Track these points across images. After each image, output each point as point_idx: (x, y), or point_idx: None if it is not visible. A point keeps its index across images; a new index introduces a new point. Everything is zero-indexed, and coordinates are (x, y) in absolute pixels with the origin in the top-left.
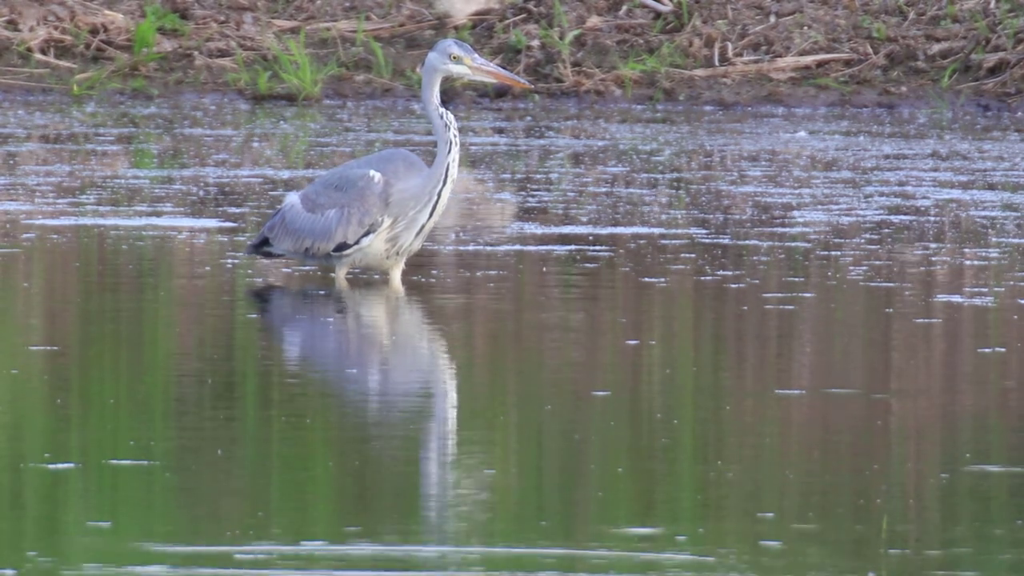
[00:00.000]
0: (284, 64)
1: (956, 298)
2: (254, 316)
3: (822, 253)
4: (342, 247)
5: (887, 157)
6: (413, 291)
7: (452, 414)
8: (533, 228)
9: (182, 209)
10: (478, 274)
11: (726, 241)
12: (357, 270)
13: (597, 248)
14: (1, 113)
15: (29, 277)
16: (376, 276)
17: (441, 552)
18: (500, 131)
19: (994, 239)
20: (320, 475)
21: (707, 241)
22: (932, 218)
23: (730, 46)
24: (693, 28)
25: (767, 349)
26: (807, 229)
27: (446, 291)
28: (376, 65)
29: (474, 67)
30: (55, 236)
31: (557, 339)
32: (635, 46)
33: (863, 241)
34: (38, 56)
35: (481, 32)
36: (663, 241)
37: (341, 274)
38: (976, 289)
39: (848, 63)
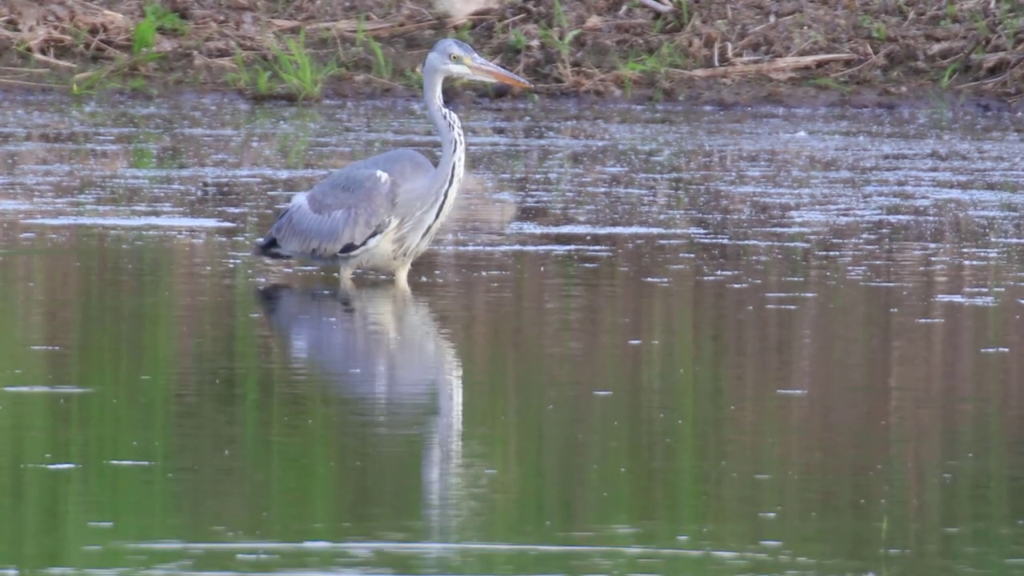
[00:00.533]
0: (284, 64)
1: (957, 298)
2: (256, 316)
3: (821, 253)
4: (349, 248)
5: (887, 157)
6: (416, 291)
7: (455, 413)
8: (533, 228)
9: (182, 209)
10: (479, 274)
11: (726, 241)
12: (360, 270)
13: (596, 248)
14: (1, 113)
15: (29, 277)
16: (382, 276)
17: (443, 550)
18: (500, 131)
19: (993, 239)
20: (321, 474)
21: (706, 241)
22: (931, 218)
23: (730, 46)
24: (693, 28)
25: (768, 349)
26: (806, 229)
27: (449, 291)
28: (376, 65)
29: (474, 67)
30: (53, 236)
31: (559, 339)
32: (635, 46)
33: (862, 241)
34: (38, 56)
35: (481, 32)
36: (663, 241)
37: (346, 274)
38: (976, 289)
39: (848, 63)
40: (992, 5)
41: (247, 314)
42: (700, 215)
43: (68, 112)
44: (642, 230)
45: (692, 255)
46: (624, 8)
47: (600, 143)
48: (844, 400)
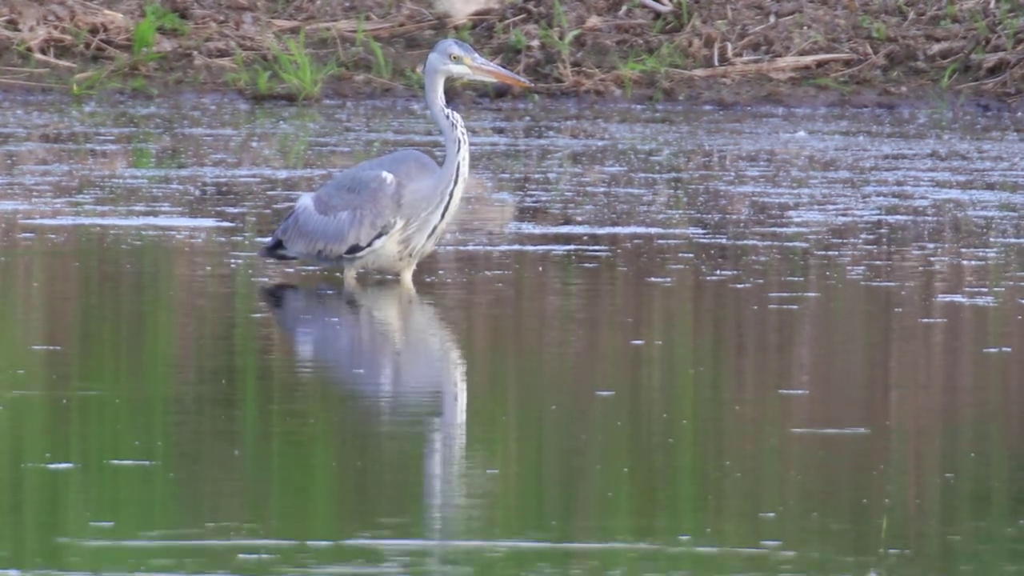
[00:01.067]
0: (284, 64)
1: (957, 298)
2: (257, 315)
3: (820, 253)
4: (355, 249)
5: (886, 157)
6: (420, 291)
7: (457, 413)
8: (534, 228)
9: (182, 209)
10: (480, 275)
11: (725, 241)
12: (363, 270)
13: (596, 248)
14: (1, 113)
15: (29, 277)
16: (389, 276)
17: (443, 547)
18: (500, 131)
19: (992, 239)
20: (322, 474)
21: (705, 241)
22: (930, 218)
23: (730, 46)
24: (693, 28)
25: (768, 349)
26: (805, 229)
27: (451, 292)
28: (376, 65)
29: (474, 67)
30: (52, 236)
31: (560, 339)
32: (635, 46)
33: (861, 241)
34: (38, 56)
35: (481, 32)
36: (661, 241)
37: (350, 275)
38: (976, 289)
39: (848, 63)
40: (992, 5)
41: (248, 314)
42: (699, 215)
43: (68, 112)
44: (641, 230)
45: (691, 255)
46: (624, 8)
47: (600, 143)
48: (846, 400)
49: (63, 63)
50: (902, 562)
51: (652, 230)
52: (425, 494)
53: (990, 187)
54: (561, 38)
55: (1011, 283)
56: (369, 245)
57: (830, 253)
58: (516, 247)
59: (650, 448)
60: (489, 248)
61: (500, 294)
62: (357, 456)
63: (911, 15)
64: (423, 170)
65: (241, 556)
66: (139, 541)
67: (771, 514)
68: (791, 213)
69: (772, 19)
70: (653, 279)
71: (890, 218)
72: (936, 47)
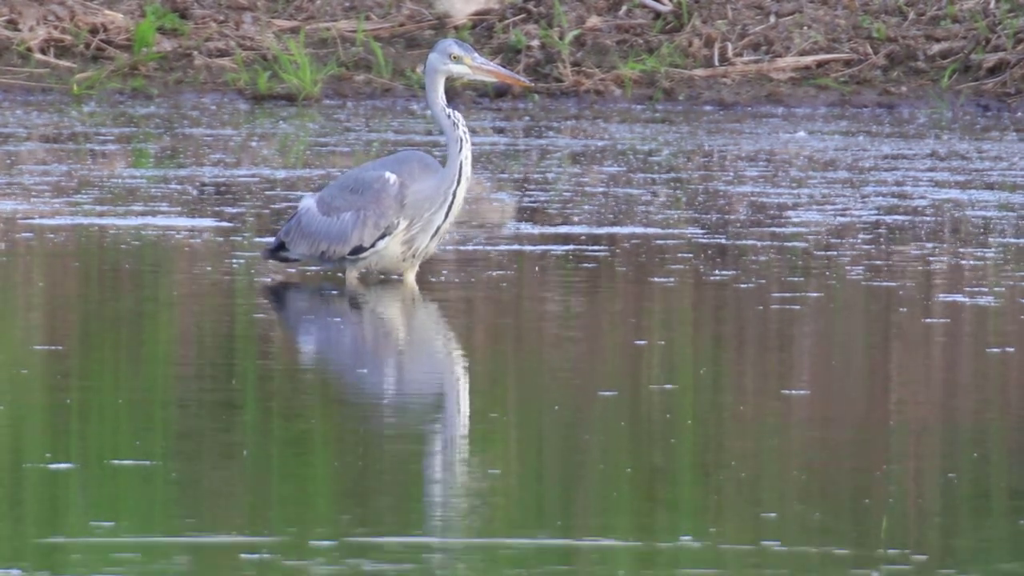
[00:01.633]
0: (284, 64)
1: (959, 298)
2: (258, 315)
3: (819, 253)
4: (358, 250)
5: (886, 157)
6: (423, 292)
7: (460, 412)
8: (534, 228)
9: (181, 209)
10: (480, 275)
11: (724, 241)
12: (365, 271)
13: (595, 248)
14: (0, 113)
15: (28, 277)
16: (394, 276)
17: (444, 545)
18: (500, 131)
19: (991, 239)
20: (324, 473)
21: (704, 241)
22: (929, 218)
23: (730, 46)
24: (693, 28)
25: (769, 349)
26: (804, 229)
27: (453, 292)
28: (376, 65)
29: (474, 66)
30: (51, 235)
31: (565, 339)
32: (635, 46)
33: (860, 241)
34: (38, 56)
35: (481, 32)
36: (660, 241)
37: (353, 276)
38: (977, 289)
39: (848, 63)
40: (992, 5)
41: (248, 313)
42: (698, 215)
43: (68, 112)
44: (640, 230)
45: (690, 255)
46: (624, 8)
47: (600, 143)
48: (849, 400)
49: (63, 63)
50: (902, 562)
51: (651, 230)
52: (427, 492)
53: (989, 187)
54: (561, 38)
55: (1011, 283)
56: (372, 246)
57: (829, 253)
58: (515, 247)
59: (653, 448)
60: (488, 248)
61: (501, 294)
62: (359, 455)
63: (911, 15)
64: (426, 170)
65: (243, 556)
66: (140, 539)
67: (772, 514)
68: (790, 213)
69: (772, 19)
70: (652, 279)
71: (889, 218)
72: (936, 47)
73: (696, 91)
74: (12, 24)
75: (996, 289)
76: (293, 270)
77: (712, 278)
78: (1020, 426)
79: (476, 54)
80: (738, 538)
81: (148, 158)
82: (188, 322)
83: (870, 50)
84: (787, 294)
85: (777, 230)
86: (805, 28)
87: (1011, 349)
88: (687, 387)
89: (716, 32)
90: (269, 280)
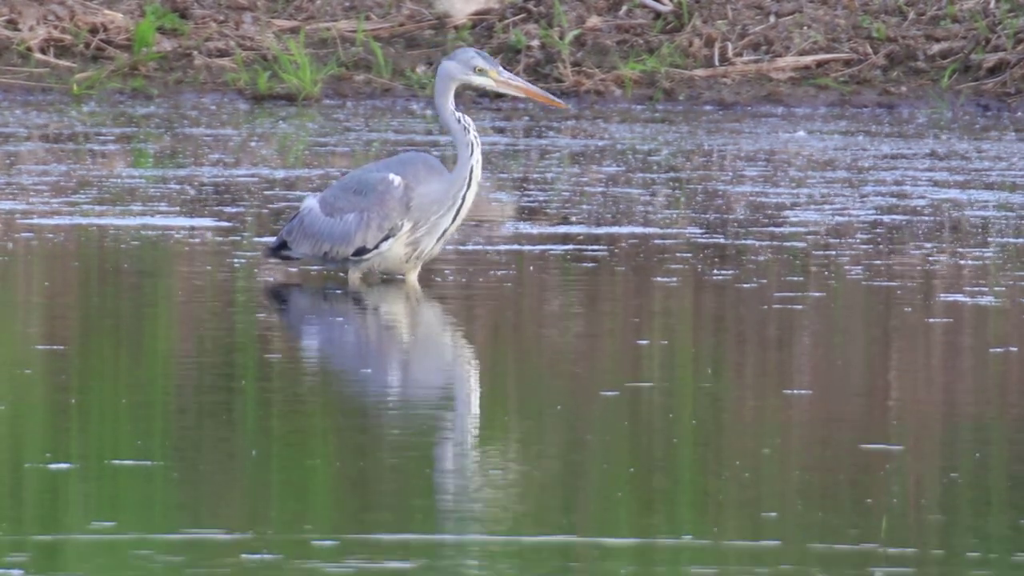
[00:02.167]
0: (284, 64)
1: (960, 298)
2: (258, 315)
3: (818, 253)
4: (361, 251)
5: (885, 157)
6: (427, 292)
7: (463, 411)
8: (534, 228)
9: (181, 209)
10: (480, 275)
11: (723, 241)
12: (367, 272)
13: (594, 248)
14: (0, 113)
15: (28, 277)
16: (395, 277)
17: (441, 542)
18: (500, 131)
19: (990, 238)
20: (324, 473)
21: (703, 241)
22: (928, 218)
23: (730, 46)
24: (693, 28)
25: (771, 349)
26: (803, 229)
27: (455, 292)
28: (376, 65)
29: (500, 80)
30: (51, 235)
31: (569, 339)
32: (635, 46)
33: (859, 240)
34: (38, 56)
35: (481, 32)
36: (658, 241)
37: (355, 276)
38: (978, 288)
39: (848, 63)
40: (992, 5)
41: (249, 313)
42: (697, 215)
43: (68, 112)
44: (639, 230)
45: (689, 255)
46: (624, 8)
47: (600, 143)
48: (851, 400)
49: (63, 63)
50: (902, 562)
51: (650, 230)
52: (429, 491)
53: (988, 187)
54: (561, 38)
55: (1011, 283)
56: (376, 247)
57: (828, 253)
58: (515, 247)
59: (656, 448)
60: (488, 248)
61: (503, 294)
62: (360, 454)
63: (911, 15)
64: (432, 173)
65: (244, 556)
66: (140, 541)
67: (773, 513)
68: (790, 213)
69: (772, 19)
70: (651, 279)
71: (888, 218)
72: (936, 47)
73: (696, 91)
74: (12, 24)
75: (996, 289)
76: (294, 269)
77: (711, 278)
78: (1022, 426)
79: (501, 68)
80: (739, 537)
81: (148, 158)
82: (188, 322)
83: (870, 50)
84: (786, 294)
85: (776, 230)
86: (805, 28)
87: (1014, 349)
88: (690, 387)
89: (716, 32)
90: (271, 279)
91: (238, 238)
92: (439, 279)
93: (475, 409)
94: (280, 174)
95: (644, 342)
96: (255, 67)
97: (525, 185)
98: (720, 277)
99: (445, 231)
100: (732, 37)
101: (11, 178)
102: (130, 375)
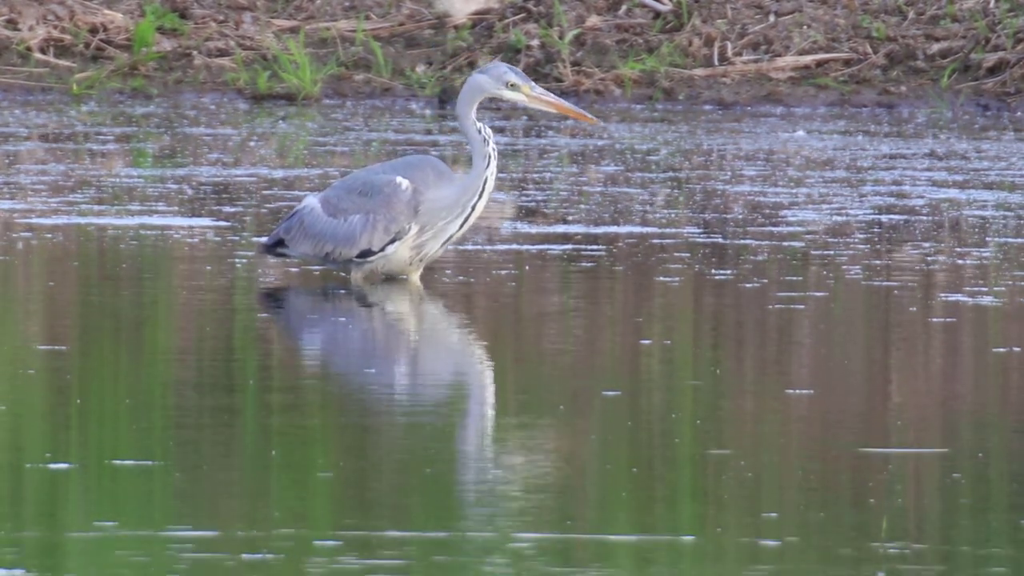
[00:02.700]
0: (283, 64)
1: (961, 297)
2: (258, 314)
3: (817, 252)
4: (366, 253)
5: (884, 157)
6: (430, 292)
7: (466, 411)
8: (533, 228)
9: (180, 208)
10: (481, 275)
11: (721, 240)
12: (369, 272)
13: (593, 248)
14: (0, 113)
15: (28, 277)
16: (402, 277)
17: (437, 540)
18: (499, 130)
19: (989, 238)
20: (325, 473)
21: (702, 241)
22: (927, 217)
23: (729, 46)
24: (693, 28)
25: (771, 349)
26: (802, 228)
27: (457, 292)
28: (376, 65)
29: (532, 96)
30: (49, 235)
31: (566, 339)
32: (635, 46)
33: (857, 240)
34: (37, 55)
35: (481, 32)
36: (659, 241)
37: (357, 277)
38: (978, 288)
39: (848, 63)
40: (992, 5)
41: (249, 312)
42: (696, 214)
43: (68, 112)
44: (637, 229)
45: (688, 254)
46: (624, 8)
47: (599, 142)
48: (854, 400)
49: (63, 63)
50: (902, 562)
51: (649, 230)
52: (429, 491)
53: (988, 187)
54: (561, 38)
55: (1010, 283)
56: (381, 250)
57: (827, 252)
58: (513, 247)
59: (658, 448)
60: (486, 248)
61: (503, 294)
62: (361, 455)
63: (911, 15)
64: (441, 178)
65: (245, 556)
66: (141, 538)
67: (773, 514)
68: (788, 213)
69: (772, 19)
70: (650, 279)
71: (886, 217)
72: (936, 47)
73: (696, 91)
74: (12, 24)
75: (996, 289)
76: (295, 270)
77: (710, 277)
78: (1023, 426)
79: (534, 83)
80: (739, 536)
81: (147, 158)
82: (188, 321)
83: (870, 50)
84: (785, 293)
85: (775, 229)
86: (805, 28)
87: (1017, 349)
88: (693, 387)
89: (716, 32)
90: (271, 280)
91: (237, 238)
92: (442, 280)
93: (479, 409)
94: (279, 174)
95: (646, 342)
96: (255, 67)
97: (524, 185)
98: (719, 277)
99: (450, 236)
100: (732, 37)
101: (10, 178)
102: (130, 375)
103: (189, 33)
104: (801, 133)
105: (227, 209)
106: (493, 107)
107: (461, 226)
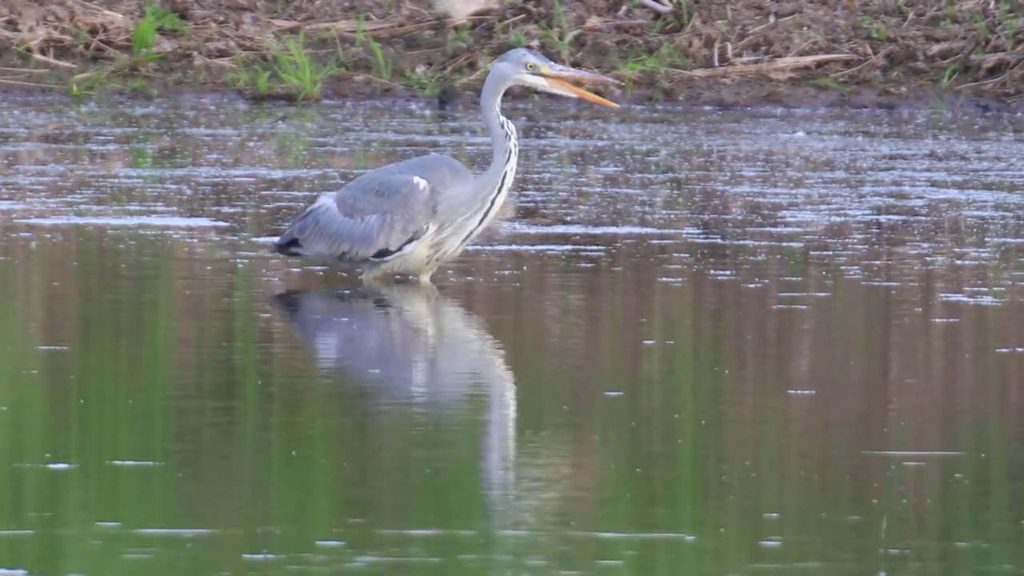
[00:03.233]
0: (283, 64)
1: (962, 298)
2: (261, 315)
3: (816, 253)
4: (383, 253)
5: (884, 157)
6: (442, 291)
7: (470, 410)
8: (532, 228)
9: (179, 209)
10: (481, 275)
11: (721, 241)
12: (384, 272)
13: (593, 248)
14: (0, 113)
15: (28, 277)
16: (411, 277)
17: (436, 538)
18: None
19: (988, 238)
20: (325, 473)
21: (701, 241)
22: (926, 218)
23: (730, 46)
24: (693, 28)
25: (772, 349)
26: (801, 229)
27: (460, 292)
28: (376, 65)
29: (552, 76)
30: (49, 235)
31: (575, 340)
32: (635, 46)
33: (856, 240)
34: (38, 56)
35: (481, 32)
36: (656, 241)
37: (370, 277)
38: (978, 288)
39: (848, 63)
40: (992, 5)
41: (250, 312)
42: (696, 215)
43: (67, 112)
44: (637, 230)
45: (687, 255)
46: (624, 8)
47: (599, 143)
48: (856, 400)
49: (63, 63)
50: (902, 562)
51: (648, 230)
52: (429, 490)
53: (987, 187)
54: (561, 38)
55: (1010, 283)
56: (399, 250)
57: (826, 253)
58: (512, 247)
59: (660, 448)
60: (485, 248)
61: (503, 294)
62: (362, 455)
63: (911, 15)
64: (457, 176)
65: (245, 556)
66: (141, 538)
67: (774, 514)
68: (788, 213)
69: (772, 19)
70: (649, 279)
71: (886, 218)
72: (936, 47)
73: (696, 91)
74: (12, 24)
75: (996, 289)
76: (297, 270)
77: (710, 278)
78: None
79: (552, 62)
80: (740, 536)
81: (147, 158)
82: (188, 321)
83: (870, 50)
84: (785, 294)
85: (774, 230)
86: (805, 28)
87: (1021, 349)
88: (693, 387)
89: (716, 32)
90: (273, 280)
91: (236, 238)
92: (439, 279)
93: (483, 409)
94: (279, 174)
95: (649, 342)
96: (255, 67)
97: (523, 185)
98: (718, 277)
99: (471, 233)
100: (732, 37)
101: (9, 178)
102: (130, 375)
103: (189, 34)
104: (801, 134)
105: (226, 209)
106: None
107: (480, 221)
